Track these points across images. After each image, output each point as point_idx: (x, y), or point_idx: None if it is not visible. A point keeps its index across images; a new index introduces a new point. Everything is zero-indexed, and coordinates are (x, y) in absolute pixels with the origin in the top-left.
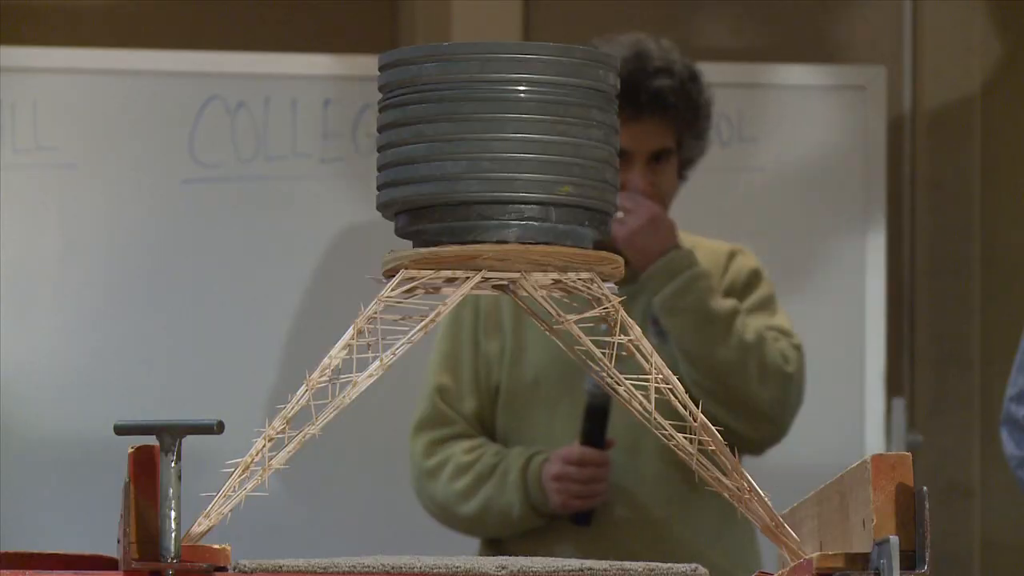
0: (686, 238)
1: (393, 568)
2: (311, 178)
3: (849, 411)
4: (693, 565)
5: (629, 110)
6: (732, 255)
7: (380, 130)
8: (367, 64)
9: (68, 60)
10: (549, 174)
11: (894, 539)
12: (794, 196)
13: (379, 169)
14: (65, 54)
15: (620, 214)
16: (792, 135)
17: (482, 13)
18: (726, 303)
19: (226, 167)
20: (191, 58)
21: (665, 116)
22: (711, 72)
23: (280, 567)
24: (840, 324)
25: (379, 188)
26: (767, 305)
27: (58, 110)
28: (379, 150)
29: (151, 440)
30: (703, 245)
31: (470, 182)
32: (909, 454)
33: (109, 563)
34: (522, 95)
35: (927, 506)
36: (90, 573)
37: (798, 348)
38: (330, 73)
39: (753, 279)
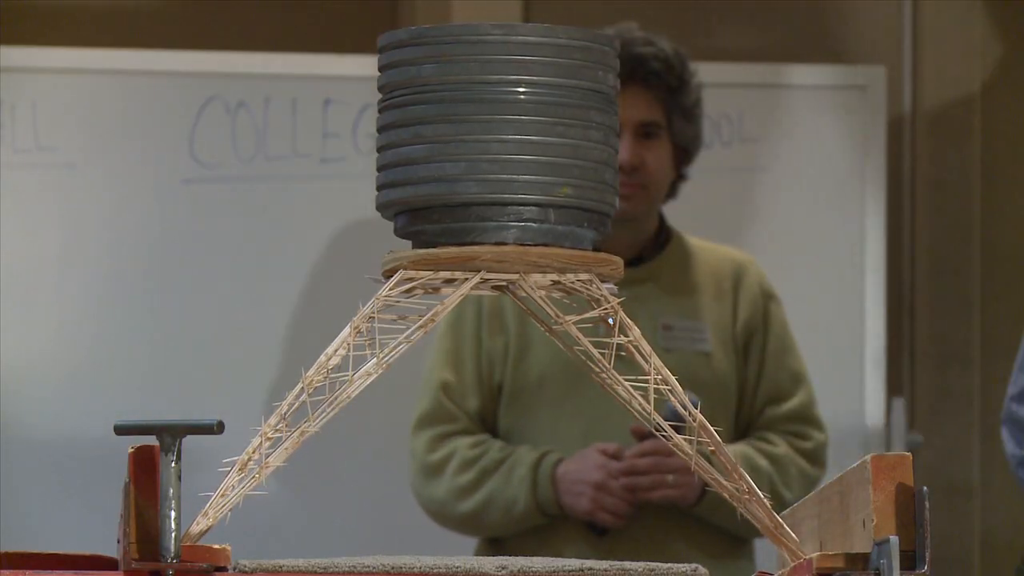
0: (691, 240)
1: (393, 568)
2: (311, 178)
3: (849, 411)
4: (693, 565)
5: None
6: (740, 272)
7: (380, 131)
8: (367, 64)
9: (68, 60)
10: (548, 176)
11: (894, 539)
12: (794, 196)
13: (379, 170)
14: (65, 54)
15: (671, 477)
16: (793, 135)
17: (482, 13)
18: (757, 483)
19: (226, 167)
20: (191, 58)
21: (650, 86)
22: (712, 72)
23: (280, 567)
24: (840, 324)
25: (378, 189)
26: (785, 346)
27: (58, 110)
28: (379, 151)
29: (151, 440)
30: (709, 250)
31: (469, 183)
32: (909, 454)
33: (109, 563)
34: (521, 97)
35: (927, 506)
36: (90, 573)
37: (821, 446)
38: (330, 73)
39: (769, 311)
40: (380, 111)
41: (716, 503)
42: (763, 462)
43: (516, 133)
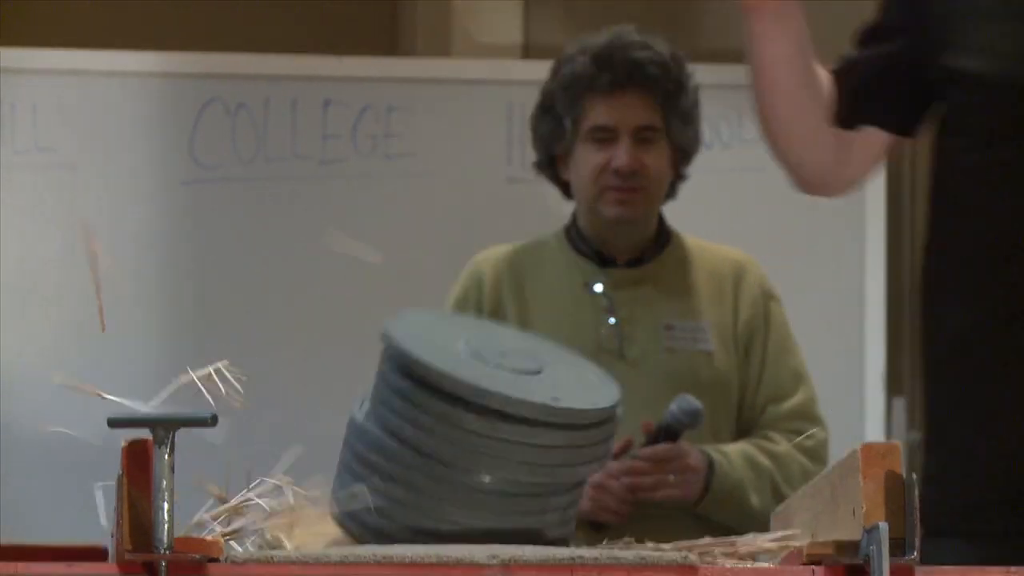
0: (690, 241)
1: (384, 558)
2: (311, 179)
3: (849, 411)
4: (683, 553)
5: (609, 82)
6: (740, 272)
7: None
8: (367, 65)
9: (68, 61)
10: None
11: (883, 525)
12: (794, 196)
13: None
14: (65, 56)
15: (672, 477)
16: None
17: (482, 14)
18: (759, 480)
19: (226, 168)
20: (191, 59)
21: (647, 89)
22: (712, 73)
23: (271, 558)
24: (840, 324)
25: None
26: (786, 346)
27: (58, 111)
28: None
29: (146, 434)
30: (708, 250)
31: None
32: (898, 443)
33: (101, 554)
34: (486, 484)
35: (916, 493)
36: (81, 564)
37: (822, 443)
38: (330, 74)
39: (770, 310)
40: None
41: (718, 501)
42: (765, 460)
43: (474, 516)
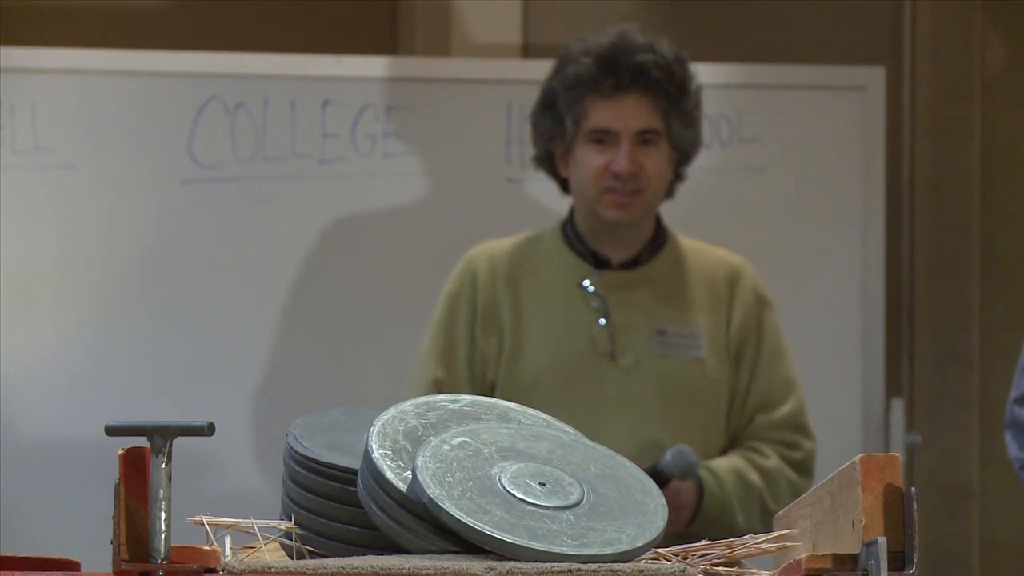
0: (686, 242)
1: (381, 569)
2: (310, 178)
3: (848, 412)
4: (682, 566)
5: (612, 85)
6: (735, 276)
7: None
8: (366, 65)
9: (67, 61)
10: None
11: (882, 540)
12: (793, 196)
13: None
14: (64, 55)
15: None
16: (792, 136)
17: (482, 13)
18: (748, 499)
19: (225, 167)
20: (190, 59)
21: (649, 93)
22: (711, 73)
23: (269, 568)
24: (839, 324)
25: None
26: (777, 353)
27: (57, 111)
28: None
29: (143, 441)
30: (704, 253)
31: None
32: (898, 455)
33: (72, 566)
34: None
35: (915, 507)
36: (52, 575)
37: (810, 455)
38: (329, 74)
39: (763, 317)
40: None
41: (705, 524)
42: (754, 477)
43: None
